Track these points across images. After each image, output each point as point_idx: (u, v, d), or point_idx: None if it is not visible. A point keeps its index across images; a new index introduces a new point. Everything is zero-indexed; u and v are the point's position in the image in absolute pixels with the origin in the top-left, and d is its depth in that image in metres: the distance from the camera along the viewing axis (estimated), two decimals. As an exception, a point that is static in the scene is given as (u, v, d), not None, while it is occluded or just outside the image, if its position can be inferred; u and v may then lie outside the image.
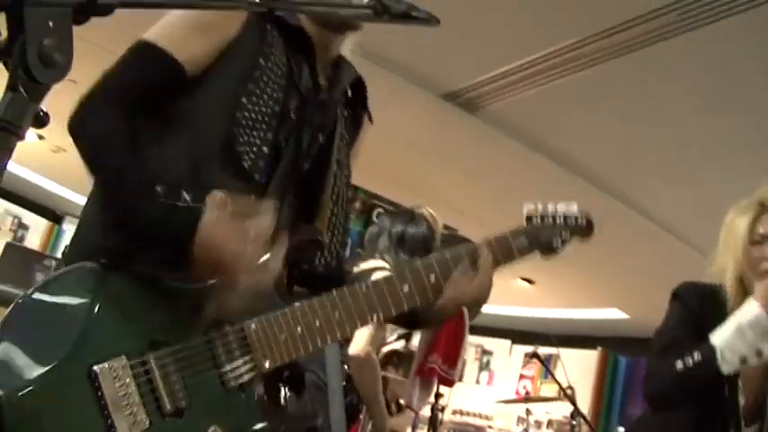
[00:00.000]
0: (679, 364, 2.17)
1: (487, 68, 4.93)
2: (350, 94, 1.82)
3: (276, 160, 1.58)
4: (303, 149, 1.65)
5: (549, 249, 1.78)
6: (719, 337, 2.13)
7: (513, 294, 8.74)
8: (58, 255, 7.82)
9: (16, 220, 9.34)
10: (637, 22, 4.17)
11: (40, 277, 5.97)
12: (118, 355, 1.31)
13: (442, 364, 3.93)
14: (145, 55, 1.51)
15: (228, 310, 1.44)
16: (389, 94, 5.23)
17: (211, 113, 1.52)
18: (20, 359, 1.26)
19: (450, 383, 4.10)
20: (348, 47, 1.80)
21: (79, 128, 1.45)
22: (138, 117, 1.47)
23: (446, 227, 6.87)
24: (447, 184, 6.60)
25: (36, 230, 9.40)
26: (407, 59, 4.95)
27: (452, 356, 3.96)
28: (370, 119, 1.90)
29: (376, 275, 3.35)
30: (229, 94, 1.52)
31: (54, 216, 9.52)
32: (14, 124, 0.72)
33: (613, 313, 8.89)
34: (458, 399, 9.33)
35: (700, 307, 2.39)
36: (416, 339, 4.00)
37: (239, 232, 1.39)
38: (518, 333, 10.22)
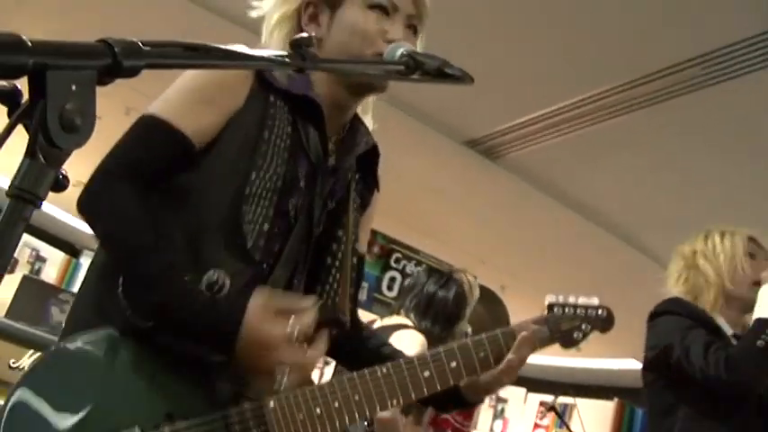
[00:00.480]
0: (759, 343, 2.44)
1: (510, 117, 4.92)
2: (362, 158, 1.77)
3: (283, 234, 1.55)
4: (315, 218, 1.61)
5: (569, 341, 1.78)
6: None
7: (530, 342, 8.64)
8: (74, 289, 7.79)
9: (34, 253, 9.34)
10: (661, 75, 4.16)
11: (55, 311, 5.95)
12: (132, 425, 1.29)
13: (456, 415, 3.87)
14: (155, 130, 1.48)
15: (252, 388, 1.44)
16: (411, 139, 5.23)
17: (215, 190, 1.49)
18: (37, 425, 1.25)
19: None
20: (369, 106, 1.81)
21: (92, 207, 1.45)
22: (149, 193, 1.46)
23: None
24: (466, 231, 6.57)
25: (53, 263, 9.39)
26: (430, 105, 4.95)
27: (467, 410, 3.90)
28: (377, 188, 1.87)
29: (398, 334, 3.31)
30: (234, 171, 1.49)
31: (72, 250, 9.53)
32: (32, 192, 0.70)
33: (630, 363, 8.75)
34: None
35: (688, 315, 2.76)
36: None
37: (283, 331, 1.36)
38: (533, 381, 10.07)
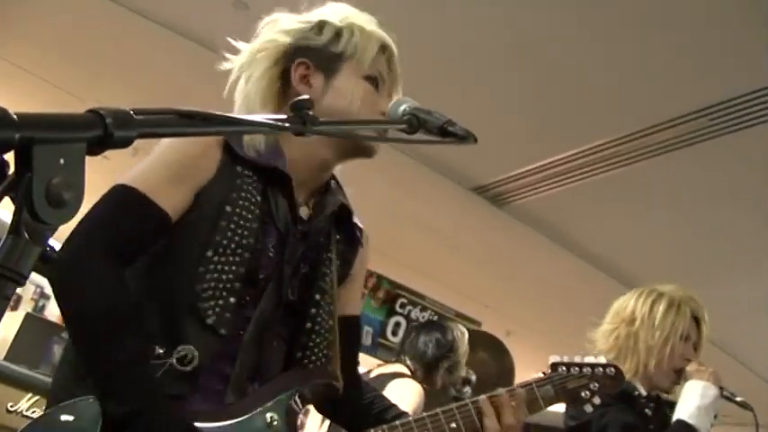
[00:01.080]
0: None
1: (517, 165, 4.92)
2: (340, 218, 1.76)
3: (254, 303, 1.53)
4: (285, 284, 1.58)
5: (576, 400, 1.76)
6: (689, 416, 2.43)
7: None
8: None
9: (38, 290, 9.32)
10: (668, 126, 4.16)
11: (57, 350, 5.91)
12: None
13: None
14: (133, 203, 1.45)
15: None
16: (418, 185, 5.22)
17: (179, 267, 1.47)
18: None
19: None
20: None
21: (67, 286, 1.39)
22: (125, 266, 1.43)
23: (470, 319, 6.80)
24: (472, 277, 6.53)
25: (58, 301, 9.37)
26: (437, 151, 4.95)
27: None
28: (361, 243, 1.82)
29: (395, 383, 3.27)
30: (196, 247, 1.48)
31: (77, 287, 9.50)
32: (15, 271, 0.67)
33: (638, 412, 8.65)
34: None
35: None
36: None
37: None
38: (540, 428, 9.95)
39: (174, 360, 1.36)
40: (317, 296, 1.64)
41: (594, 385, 1.77)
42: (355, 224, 1.78)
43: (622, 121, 4.28)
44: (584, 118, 4.36)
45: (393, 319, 6.51)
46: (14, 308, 8.58)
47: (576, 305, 6.63)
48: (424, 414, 1.63)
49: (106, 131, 0.73)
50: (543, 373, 1.82)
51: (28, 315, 6.73)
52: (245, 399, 1.50)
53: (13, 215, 0.68)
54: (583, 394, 1.76)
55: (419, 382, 3.40)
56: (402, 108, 1.44)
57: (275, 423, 1.48)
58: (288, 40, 1.71)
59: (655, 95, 4.02)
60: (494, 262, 6.28)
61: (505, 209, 5.50)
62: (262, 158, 1.57)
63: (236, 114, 0.92)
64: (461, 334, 3.74)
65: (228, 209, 1.50)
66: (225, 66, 1.73)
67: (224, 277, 1.46)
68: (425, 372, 3.52)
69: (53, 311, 9.58)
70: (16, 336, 5.91)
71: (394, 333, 6.50)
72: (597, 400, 1.77)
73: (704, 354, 6.68)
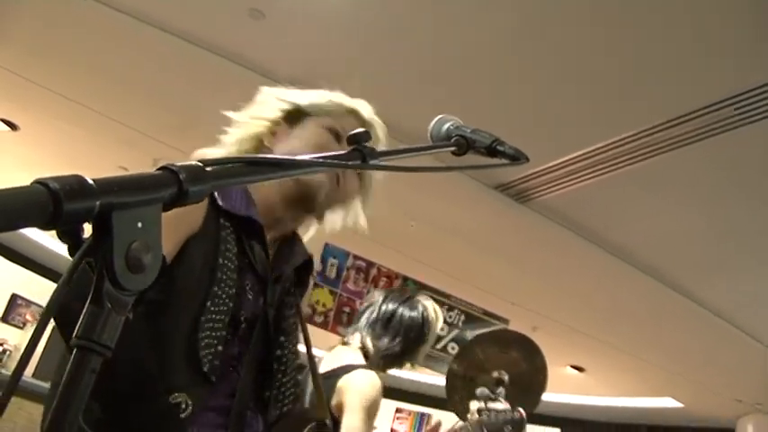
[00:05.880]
0: None
1: (540, 161, 4.89)
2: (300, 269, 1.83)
3: (240, 347, 1.58)
4: (271, 326, 1.65)
5: None
6: None
7: (563, 382, 8.54)
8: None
9: (63, 303, 9.38)
10: (692, 117, 4.11)
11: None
12: None
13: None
14: None
15: None
16: (441, 185, 5.20)
17: (176, 314, 1.48)
18: None
19: None
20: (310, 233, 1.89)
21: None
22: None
23: (497, 317, 6.78)
24: (497, 274, 6.51)
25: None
26: (459, 150, 4.92)
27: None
28: (313, 283, 1.93)
29: (347, 378, 3.12)
30: (193, 298, 1.49)
31: (100, 298, 9.57)
32: (99, 343, 0.65)
33: (668, 402, 8.62)
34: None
35: None
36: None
37: None
38: (568, 421, 9.95)
39: (172, 404, 1.40)
40: (282, 338, 1.69)
41: (508, 428, 2.04)
42: (310, 273, 1.86)
43: (645, 113, 4.24)
44: (607, 111, 4.32)
45: (420, 321, 6.48)
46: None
47: (601, 298, 6.64)
48: None
49: (181, 189, 0.71)
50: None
51: (55, 330, 6.75)
52: None
53: (95, 285, 0.66)
54: None
55: (393, 357, 3.24)
56: (446, 127, 1.42)
57: None
58: (278, 112, 1.82)
59: (678, 86, 3.98)
60: (519, 259, 6.26)
61: (529, 205, 5.47)
62: (235, 208, 1.62)
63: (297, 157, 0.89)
64: (436, 309, 3.56)
65: (221, 261, 1.54)
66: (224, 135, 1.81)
67: (216, 326, 1.50)
68: (407, 345, 3.32)
69: (78, 323, 9.68)
70: (43, 353, 5.93)
71: (422, 334, 6.47)
72: None
73: (733, 344, 6.71)
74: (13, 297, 9.05)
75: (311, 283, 1.89)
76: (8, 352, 8.43)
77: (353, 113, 1.85)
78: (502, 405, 1.95)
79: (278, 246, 1.77)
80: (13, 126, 6.05)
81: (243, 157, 0.82)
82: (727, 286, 5.95)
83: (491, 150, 1.34)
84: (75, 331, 0.66)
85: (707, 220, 5.12)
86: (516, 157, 1.32)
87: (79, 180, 0.63)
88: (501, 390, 4.08)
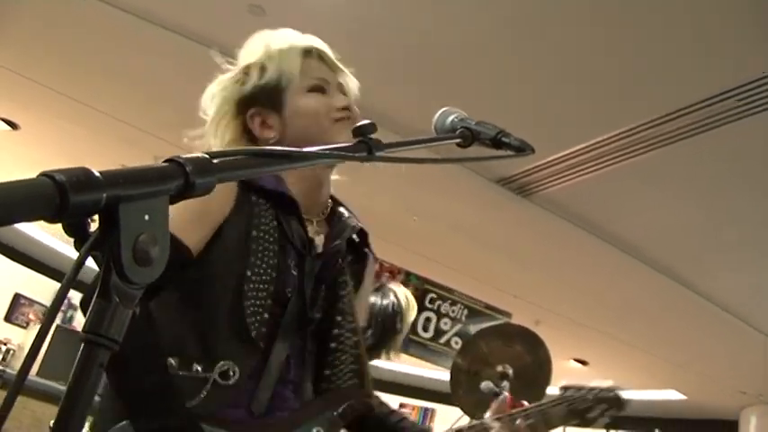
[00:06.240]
0: None
1: (542, 154, 4.87)
2: (354, 239, 1.85)
3: (279, 318, 1.63)
4: (307, 300, 1.68)
5: (585, 419, 1.90)
6: None
7: (567, 375, 8.51)
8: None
9: (66, 301, 9.38)
10: (696, 108, 4.10)
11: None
12: None
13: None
14: None
15: None
16: (442, 180, 5.19)
17: (218, 290, 1.56)
18: None
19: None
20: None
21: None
22: (151, 298, 1.48)
23: (500, 311, 6.78)
24: (500, 268, 6.51)
25: (84, 311, 9.45)
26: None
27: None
28: (376, 259, 1.94)
29: None
30: (232, 271, 1.57)
31: (102, 296, 9.56)
32: (107, 337, 0.64)
33: (671, 394, 8.61)
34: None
35: None
36: None
37: None
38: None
39: (217, 375, 1.48)
40: (339, 317, 1.73)
41: (603, 406, 1.92)
42: (368, 244, 1.89)
43: (647, 105, 4.23)
44: (609, 104, 4.31)
45: (423, 315, 6.49)
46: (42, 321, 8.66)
47: (603, 291, 6.63)
48: None
49: (187, 181, 0.71)
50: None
51: (58, 327, 6.77)
52: (292, 413, 1.61)
53: (102, 278, 0.65)
54: (590, 415, 1.91)
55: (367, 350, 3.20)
56: (450, 119, 1.42)
57: None
58: (231, 99, 1.81)
59: (680, 78, 3.97)
60: (521, 253, 6.25)
61: (531, 199, 5.47)
62: (266, 183, 1.67)
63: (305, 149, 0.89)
64: (408, 296, 3.51)
65: (254, 234, 1.61)
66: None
67: (260, 294, 1.57)
68: (381, 337, 3.29)
69: (81, 320, 9.67)
70: (48, 350, 5.94)
71: (425, 329, 6.48)
72: (606, 421, 1.92)
73: (735, 335, 6.70)
74: (16, 296, 9.05)
75: (371, 256, 1.91)
76: (12, 351, 8.43)
77: (310, 53, 1.83)
78: (595, 384, 1.93)
79: (324, 219, 1.81)
80: (13, 125, 6.04)
81: (250, 149, 0.81)
82: (729, 278, 5.95)
83: (496, 142, 1.34)
84: (83, 326, 0.65)
85: (708, 212, 5.11)
86: (522, 148, 1.31)
87: (86, 172, 0.62)
88: (506, 383, 4.08)
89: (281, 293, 1.61)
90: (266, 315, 1.56)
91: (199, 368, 1.49)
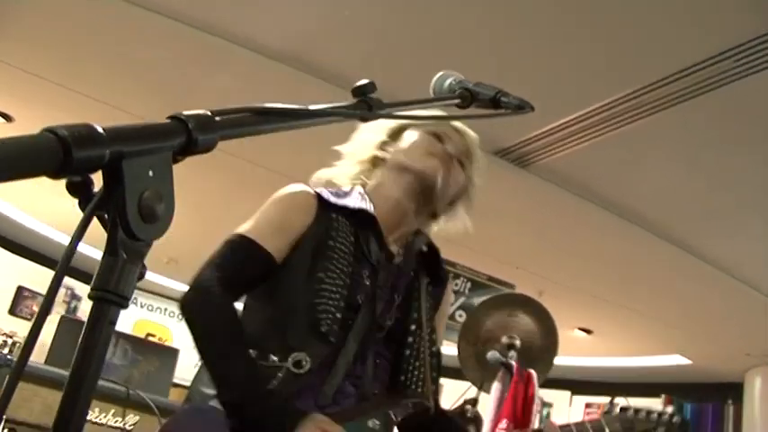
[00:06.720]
0: None
1: (539, 124, 4.86)
2: (425, 259, 2.06)
3: (351, 320, 1.82)
4: (378, 309, 1.87)
5: None
6: None
7: (572, 345, 8.55)
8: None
9: (69, 292, 9.41)
10: (693, 70, 4.07)
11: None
12: None
13: (513, 429, 3.80)
14: (250, 251, 1.81)
15: None
16: (441, 153, 5.17)
17: (295, 290, 1.79)
18: None
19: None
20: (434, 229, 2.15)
21: (190, 314, 1.73)
22: (238, 299, 1.79)
23: (504, 283, 6.78)
24: (502, 240, 6.50)
25: (88, 300, 9.43)
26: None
27: (524, 423, 3.82)
28: (446, 278, 2.14)
29: None
30: (308, 275, 1.79)
31: (105, 286, 9.59)
32: (117, 293, 0.64)
33: (676, 359, 8.64)
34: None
35: None
36: (483, 404, 3.89)
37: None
38: (578, 383, 9.98)
39: (291, 365, 1.69)
40: (413, 326, 1.94)
41: (662, 429, 1.91)
42: (441, 265, 2.09)
43: (643, 71, 4.20)
44: (603, 71, 4.29)
45: (426, 290, 6.49)
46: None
47: (605, 258, 6.64)
48: None
49: (190, 137, 0.70)
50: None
51: (63, 318, 6.79)
52: (353, 405, 1.80)
53: (109, 235, 0.65)
54: None
55: None
56: (448, 82, 1.43)
57: (376, 428, 1.80)
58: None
59: (675, 41, 3.94)
60: (522, 224, 6.25)
61: (530, 169, 5.45)
62: (350, 203, 1.92)
63: (314, 106, 0.89)
64: None
65: (331, 243, 1.83)
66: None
67: (333, 296, 1.77)
68: None
69: (84, 311, 9.68)
70: (54, 339, 5.97)
71: (428, 303, 6.48)
72: None
73: (738, 298, 6.71)
74: (20, 289, 9.07)
75: (448, 283, 2.15)
76: (18, 344, 8.45)
77: (446, 124, 2.07)
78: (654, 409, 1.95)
79: (404, 243, 2.01)
80: (7, 118, 6.01)
81: (251, 107, 0.80)
82: (731, 240, 5.94)
83: (495, 101, 1.35)
84: (92, 284, 0.65)
85: (708, 175, 5.09)
86: (521, 106, 1.32)
87: (88, 128, 0.62)
88: (513, 353, 4.09)
89: (352, 299, 1.81)
90: (338, 315, 1.77)
91: (275, 358, 1.70)
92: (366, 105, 0.98)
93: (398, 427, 2.03)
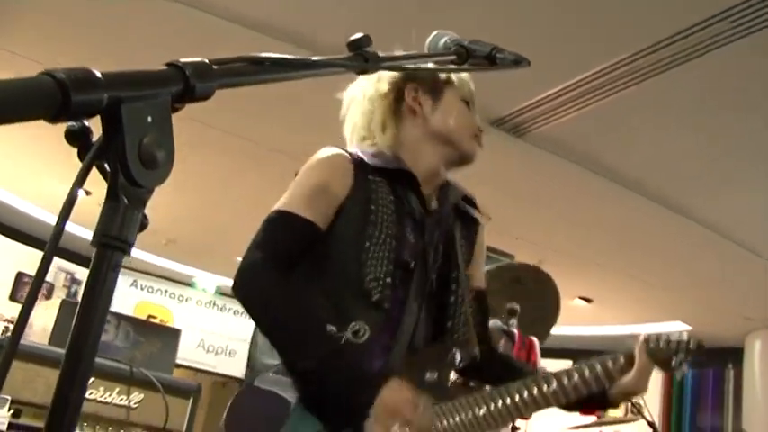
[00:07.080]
0: None
1: (534, 92, 4.85)
2: (460, 207, 2.11)
3: (405, 282, 1.86)
4: (430, 264, 1.93)
5: (667, 367, 1.98)
6: None
7: (572, 314, 8.57)
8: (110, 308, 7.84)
9: (69, 276, 9.43)
10: (688, 33, 4.05)
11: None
12: None
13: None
14: (288, 223, 1.82)
15: None
16: (436, 125, 5.16)
17: (343, 260, 1.82)
18: None
19: (526, 417, 3.99)
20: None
21: (247, 293, 1.75)
22: (290, 274, 1.79)
23: (503, 253, 6.78)
24: (500, 210, 6.45)
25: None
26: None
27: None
28: (479, 224, 2.19)
29: None
30: (353, 243, 1.82)
31: (106, 269, 9.62)
32: (120, 239, 0.64)
33: (676, 326, 8.68)
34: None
35: None
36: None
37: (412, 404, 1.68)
38: (579, 352, 10.00)
39: (350, 334, 1.73)
40: (455, 274, 1.97)
41: (682, 355, 1.96)
42: (476, 210, 2.15)
43: (637, 35, 4.18)
44: (597, 37, 4.27)
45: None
46: (48, 296, 8.71)
47: (605, 224, 6.64)
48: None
49: (187, 84, 0.70)
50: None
51: (64, 301, 6.79)
52: (408, 359, 1.85)
53: (110, 181, 0.65)
54: (673, 363, 1.96)
55: None
56: (443, 40, 1.44)
57: (435, 377, 1.87)
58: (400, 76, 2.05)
59: (669, 4, 3.92)
60: (520, 193, 6.25)
61: (526, 138, 5.44)
62: (387, 164, 1.94)
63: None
64: None
65: (373, 207, 1.85)
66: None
67: (381, 262, 1.80)
68: None
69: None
70: (56, 322, 5.97)
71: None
72: (686, 368, 1.96)
73: (737, 262, 6.71)
74: (19, 275, 9.08)
75: (481, 222, 2.19)
76: (19, 329, 8.47)
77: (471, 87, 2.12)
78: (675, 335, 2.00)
79: (437, 194, 2.04)
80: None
81: (249, 56, 0.80)
82: (729, 204, 5.95)
83: (491, 58, 1.35)
84: (94, 230, 0.65)
85: (706, 138, 5.09)
86: (518, 61, 1.31)
87: (86, 72, 0.61)
88: (513, 321, 4.12)
89: (400, 260, 1.85)
90: (388, 280, 1.80)
91: (333, 329, 1.73)
92: (362, 59, 0.98)
93: (460, 372, 2.14)
